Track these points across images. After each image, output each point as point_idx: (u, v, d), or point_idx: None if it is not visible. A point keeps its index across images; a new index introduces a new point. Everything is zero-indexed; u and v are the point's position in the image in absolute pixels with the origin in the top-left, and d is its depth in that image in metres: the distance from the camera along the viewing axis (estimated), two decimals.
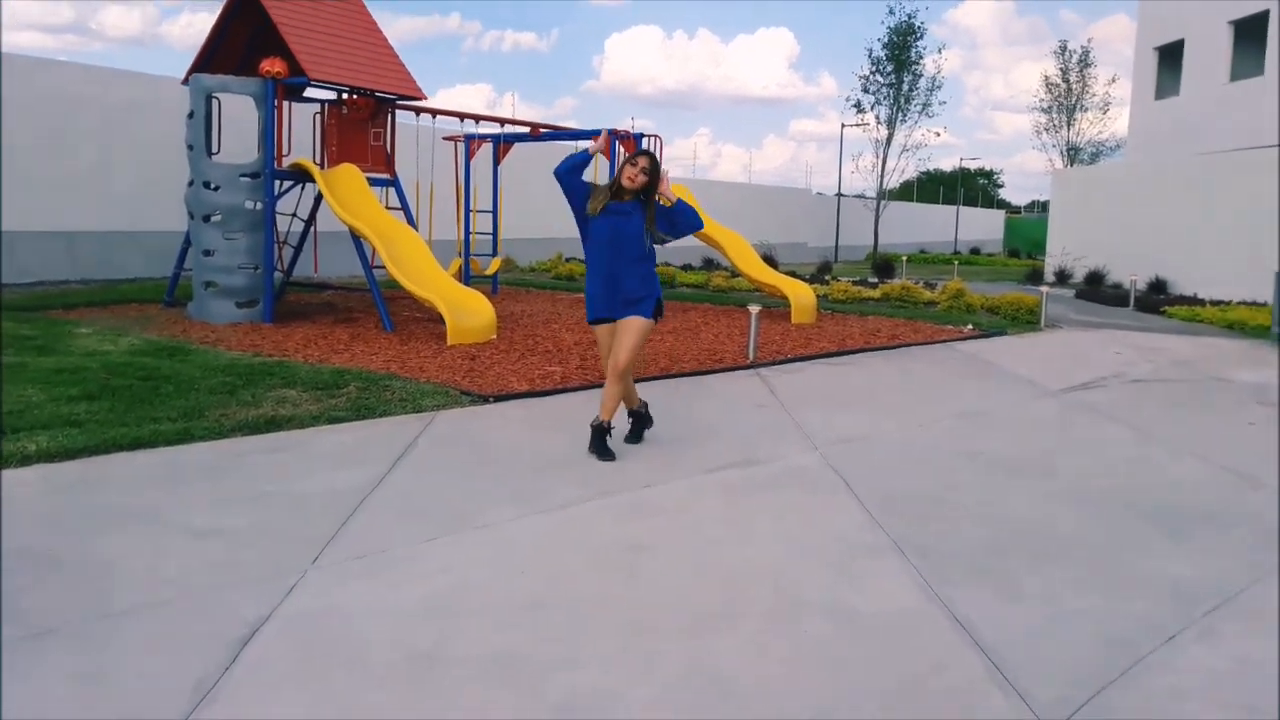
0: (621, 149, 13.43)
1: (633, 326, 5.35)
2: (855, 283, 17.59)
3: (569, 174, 5.44)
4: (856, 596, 3.51)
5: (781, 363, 8.92)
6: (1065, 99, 41.94)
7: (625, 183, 5.28)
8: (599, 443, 5.37)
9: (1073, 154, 41.98)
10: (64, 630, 3.04)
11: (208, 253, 9.86)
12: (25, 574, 3.43)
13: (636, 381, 7.51)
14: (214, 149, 10.15)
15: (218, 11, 10.63)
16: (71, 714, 2.59)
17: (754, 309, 9.01)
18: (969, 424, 6.62)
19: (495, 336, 9.35)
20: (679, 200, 5.51)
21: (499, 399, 6.76)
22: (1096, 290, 18.24)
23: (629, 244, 5.32)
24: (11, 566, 3.49)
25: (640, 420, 5.78)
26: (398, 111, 11.76)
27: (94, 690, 2.70)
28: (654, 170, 5.32)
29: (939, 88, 35.24)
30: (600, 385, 7.33)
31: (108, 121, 13.98)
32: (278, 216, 10.97)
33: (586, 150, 5.53)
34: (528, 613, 3.31)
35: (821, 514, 4.49)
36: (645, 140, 13.56)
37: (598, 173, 13.87)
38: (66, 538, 3.80)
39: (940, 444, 5.99)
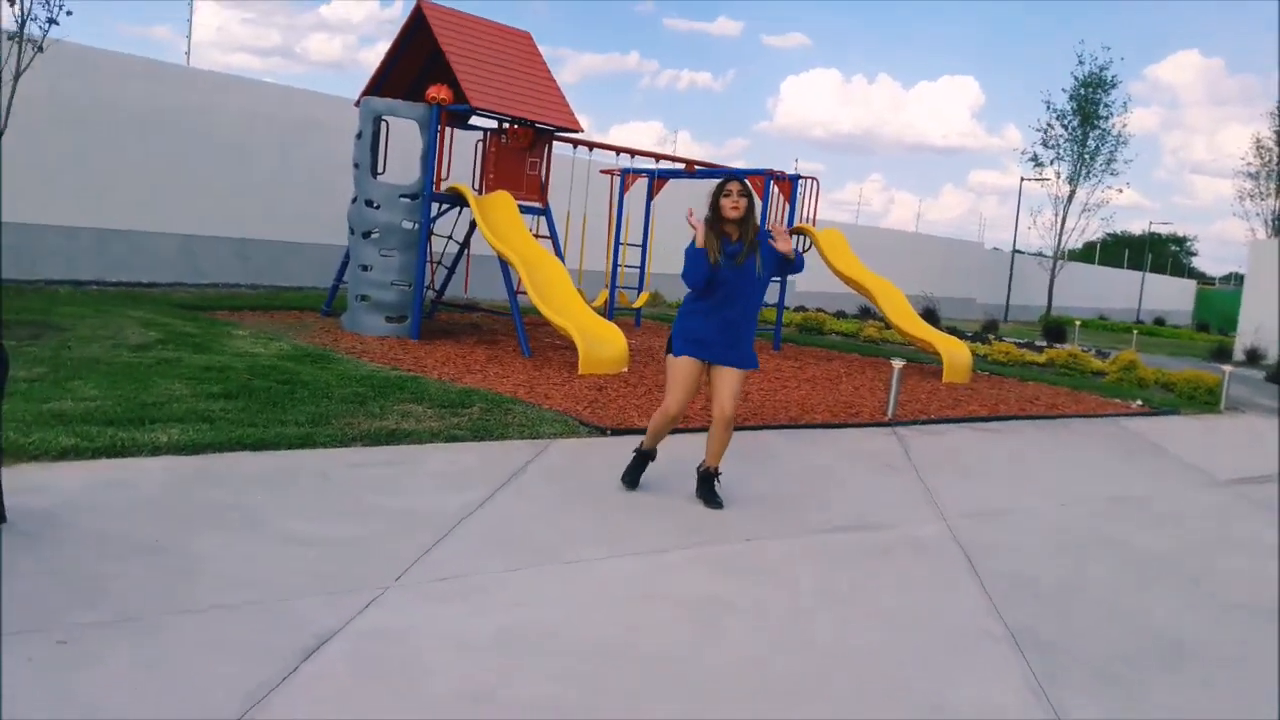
0: (777, 190, 13.27)
1: (740, 377, 5.09)
2: (1020, 344, 16.69)
3: (696, 274, 5.03)
4: (952, 691, 3.17)
5: (923, 423, 8.46)
6: (1277, 165, 38.81)
7: (728, 213, 4.99)
8: (705, 488, 5.18)
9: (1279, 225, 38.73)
10: (142, 619, 3.10)
11: (364, 267, 10.28)
12: (121, 561, 3.54)
13: (764, 428, 7.29)
14: (379, 169, 10.61)
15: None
16: (124, 701, 2.61)
17: (897, 363, 8.60)
18: (1121, 509, 6.03)
19: (627, 369, 9.30)
20: (797, 254, 5.14)
21: (616, 432, 6.66)
22: None
23: (753, 291, 5.11)
24: (110, 552, 3.61)
25: (711, 481, 5.22)
26: (556, 143, 12.00)
27: (152, 682, 2.72)
28: (749, 194, 5.08)
29: (1125, 144, 33.33)
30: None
31: (287, 137, 14.90)
32: (435, 238, 11.37)
33: (694, 243, 5.07)
34: (593, 661, 3.15)
35: (932, 592, 4.13)
36: (800, 183, 13.34)
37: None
38: (169, 530, 3.91)
39: (1085, 528, 5.46)
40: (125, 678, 2.74)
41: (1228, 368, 12.05)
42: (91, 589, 3.28)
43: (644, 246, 14.80)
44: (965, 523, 5.28)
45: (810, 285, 21.56)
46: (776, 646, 3.39)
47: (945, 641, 3.58)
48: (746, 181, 5.19)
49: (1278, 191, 38.74)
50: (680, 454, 6.27)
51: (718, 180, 5.32)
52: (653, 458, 5.36)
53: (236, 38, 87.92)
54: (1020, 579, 4.39)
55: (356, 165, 10.44)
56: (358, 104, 10.76)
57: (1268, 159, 38.88)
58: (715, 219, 5.04)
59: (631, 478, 5.31)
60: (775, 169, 13.03)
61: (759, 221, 5.20)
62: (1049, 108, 33.87)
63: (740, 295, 5.04)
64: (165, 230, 13.59)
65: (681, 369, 5.10)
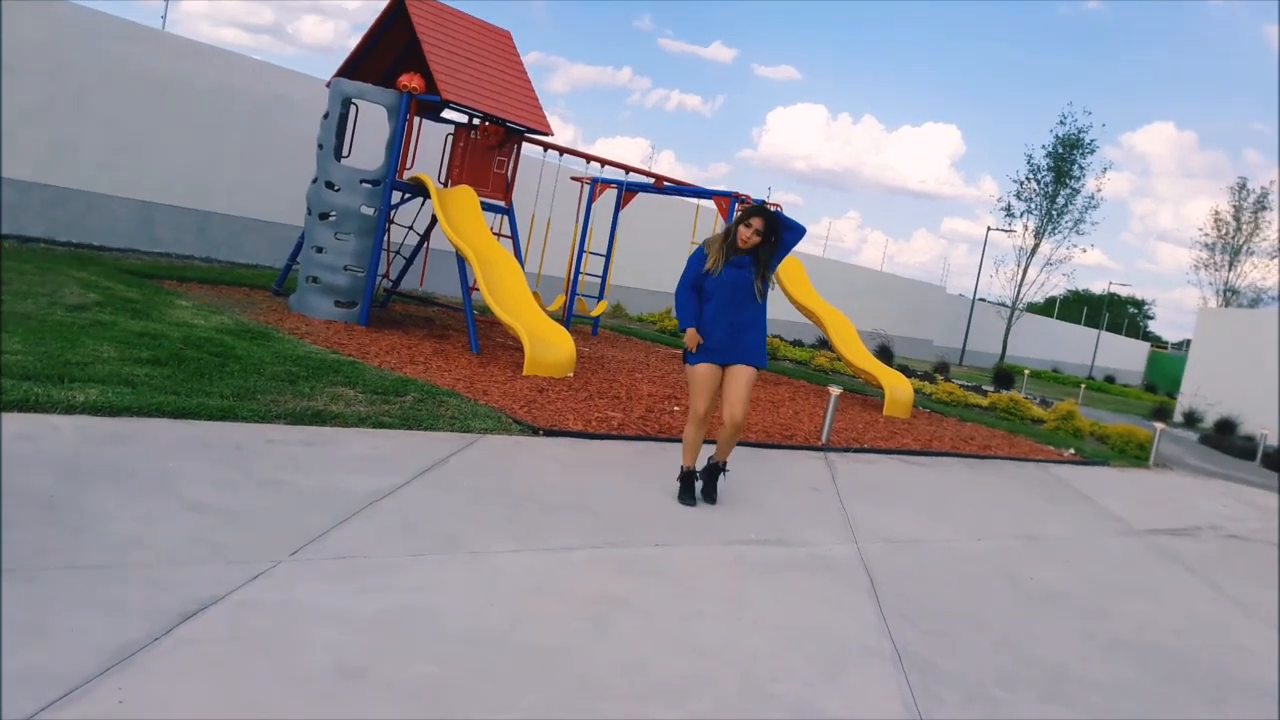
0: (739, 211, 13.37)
1: (748, 375, 5.45)
2: (966, 387, 16.94)
3: (685, 273, 5.60)
4: (831, 700, 3.22)
5: (856, 451, 8.55)
6: (1232, 238, 39.82)
7: (740, 242, 5.38)
8: (709, 479, 5.65)
9: (1230, 296, 39.71)
10: (19, 573, 3.05)
11: (318, 249, 10.21)
12: (12, 513, 3.49)
13: (676, 440, 7.32)
14: (344, 152, 10.56)
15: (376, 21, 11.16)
16: None
17: (834, 390, 8.70)
18: (1032, 547, 6.14)
19: (572, 374, 9.31)
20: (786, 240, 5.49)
21: (549, 433, 6.67)
22: (1224, 438, 16.99)
23: (749, 299, 5.43)
24: (3, 505, 3.55)
25: (717, 473, 5.71)
26: (527, 145, 12.03)
27: (19, 636, 2.68)
28: (769, 231, 5.35)
29: (1095, 207, 34.03)
30: (663, 437, 7.17)
31: (258, 114, 14.77)
32: (394, 227, 11.33)
33: (700, 249, 5.58)
34: (476, 647, 3.15)
35: (829, 608, 4.18)
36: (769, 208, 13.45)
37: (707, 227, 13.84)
38: (68, 488, 3.86)
39: (992, 561, 5.56)
40: None
41: (1160, 425, 12.31)
42: None
43: (607, 256, 14.85)
44: (876, 547, 5.35)
45: (771, 313, 21.76)
46: (663, 647, 3.42)
47: (832, 654, 3.62)
48: (772, 216, 5.42)
49: (1230, 264, 39.75)
50: (611, 459, 6.30)
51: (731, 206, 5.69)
52: (697, 477, 5.65)
53: (229, 11, 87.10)
54: (918, 603, 4.45)
55: (320, 146, 10.38)
56: (328, 85, 10.71)
57: (1224, 231, 39.91)
58: (730, 237, 5.44)
59: (686, 497, 5.54)
60: (741, 192, 13.14)
61: (773, 254, 5.45)
62: (1029, 160, 34.50)
63: (743, 306, 5.43)
64: (124, 195, 13.40)
65: (698, 375, 5.47)
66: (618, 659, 3.26)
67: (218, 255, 14.48)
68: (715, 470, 5.66)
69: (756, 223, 5.33)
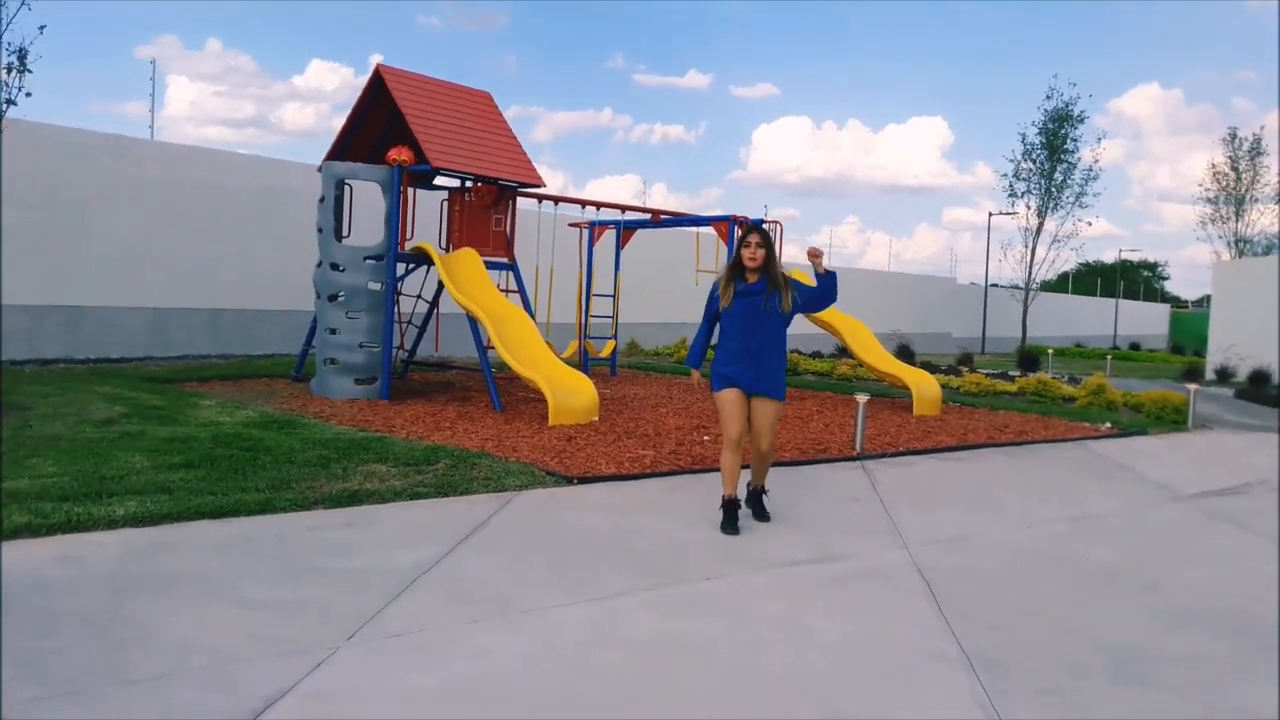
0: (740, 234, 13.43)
1: (772, 409, 5.56)
2: (992, 375, 16.82)
3: (701, 349, 5.85)
4: (906, 711, 3.18)
5: (891, 456, 8.51)
6: (1234, 189, 39.56)
7: (747, 263, 5.48)
8: (754, 502, 5.84)
9: (1243, 246, 39.37)
10: (84, 692, 3.07)
11: (332, 331, 10.32)
12: (66, 635, 3.51)
13: (709, 470, 7.30)
14: (345, 233, 10.71)
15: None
16: None
17: (861, 398, 8.67)
18: (1082, 528, 6.07)
19: (597, 418, 9.33)
20: (831, 273, 5.64)
21: (583, 481, 6.67)
22: (1260, 390, 16.78)
23: (767, 321, 5.48)
24: (60, 627, 3.59)
25: (760, 498, 5.87)
26: (522, 199, 12.15)
27: None
28: (767, 243, 5.48)
29: (1095, 178, 33.86)
30: (697, 469, 7.16)
31: (255, 207, 15.01)
32: (403, 298, 11.44)
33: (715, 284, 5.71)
34: (545, 707, 3.14)
35: (890, 618, 4.14)
36: (765, 227, 13.51)
37: (717, 259, 13.92)
38: (118, 601, 3.89)
39: (1045, 549, 5.50)
40: None
41: (1194, 386, 12.18)
42: (33, 665, 3.25)
43: (614, 297, 14.92)
44: (926, 549, 5.30)
45: (788, 329, 21.70)
46: (730, 683, 3.39)
47: (899, 665, 3.58)
48: (766, 231, 5.58)
49: (1237, 215, 39.46)
50: (649, 498, 6.30)
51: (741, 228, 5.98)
52: (739, 504, 5.65)
53: (210, 111, 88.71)
54: (977, 601, 4.40)
55: (320, 230, 10.53)
56: (320, 169, 10.88)
57: (1225, 184, 39.64)
58: (737, 265, 5.54)
59: (729, 526, 5.52)
60: (739, 215, 13.21)
61: (779, 263, 5.62)
62: (1023, 140, 34.40)
63: (760, 329, 5.48)
64: (135, 305, 13.61)
65: (726, 401, 5.56)
66: (686, 701, 3.24)
67: (233, 350, 14.65)
68: (757, 494, 5.87)
69: (754, 239, 5.47)
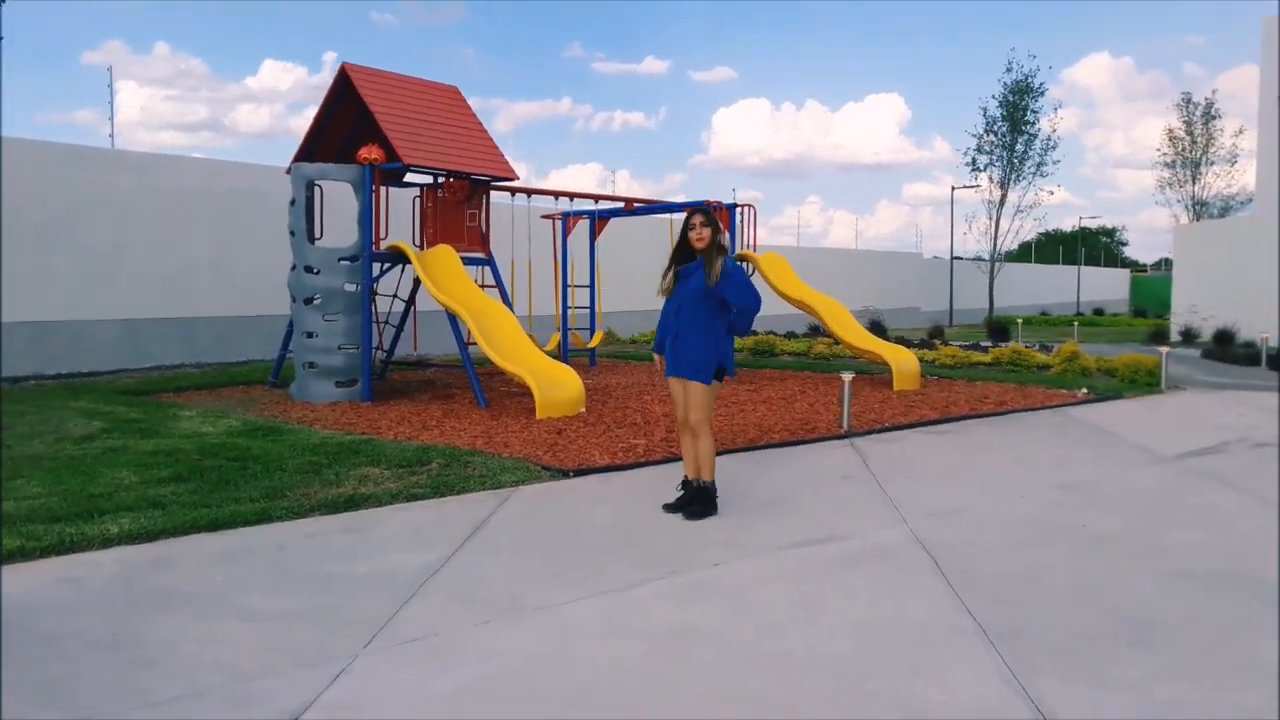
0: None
1: (695, 390, 5.52)
2: (965, 347, 16.99)
3: (662, 335, 5.72)
4: (930, 688, 3.21)
5: (878, 432, 8.56)
6: (1190, 153, 40.18)
7: (695, 244, 5.49)
8: (687, 498, 5.60)
9: (1200, 209, 40.01)
10: (100, 718, 3.02)
11: (309, 334, 10.20)
12: (74, 659, 3.46)
13: (724, 453, 7.32)
14: (317, 234, 10.57)
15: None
16: None
17: (847, 376, 8.72)
18: (1073, 495, 6.15)
19: (585, 409, 9.31)
20: (733, 272, 5.46)
21: (579, 473, 6.66)
22: (1226, 349, 17.10)
23: (691, 303, 5.46)
24: (68, 651, 3.53)
25: (699, 495, 5.56)
26: (495, 193, 12.06)
27: None
28: (711, 222, 5.48)
29: (1054, 147, 34.23)
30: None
31: (224, 212, 14.81)
32: (379, 297, 11.33)
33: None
34: (568, 706, 3.13)
35: (900, 595, 4.18)
36: (738, 211, 13.53)
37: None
38: (124, 621, 3.83)
39: (1040, 517, 5.57)
40: None
41: (1165, 349, 12.38)
42: (44, 691, 3.19)
43: (592, 287, 14.88)
44: (925, 523, 5.35)
45: (762, 309, 21.79)
46: (751, 669, 3.40)
47: (916, 642, 3.61)
48: (709, 212, 5.56)
49: (1193, 178, 40.08)
50: (647, 487, 6.31)
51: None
52: (688, 486, 5.67)
53: (162, 115, 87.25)
54: (983, 573, 4.45)
55: (293, 232, 10.39)
56: (289, 171, 10.73)
57: (1180, 148, 40.25)
58: (682, 248, 5.55)
59: (670, 506, 5.63)
60: (711, 200, 13.20)
61: (727, 242, 5.54)
62: (984, 114, 34.66)
63: (683, 310, 5.50)
64: (105, 317, 13.38)
65: (670, 388, 5.74)
66: (711, 690, 3.24)
67: (207, 359, 14.45)
68: (700, 489, 5.56)
69: (697, 219, 5.46)
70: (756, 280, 11.38)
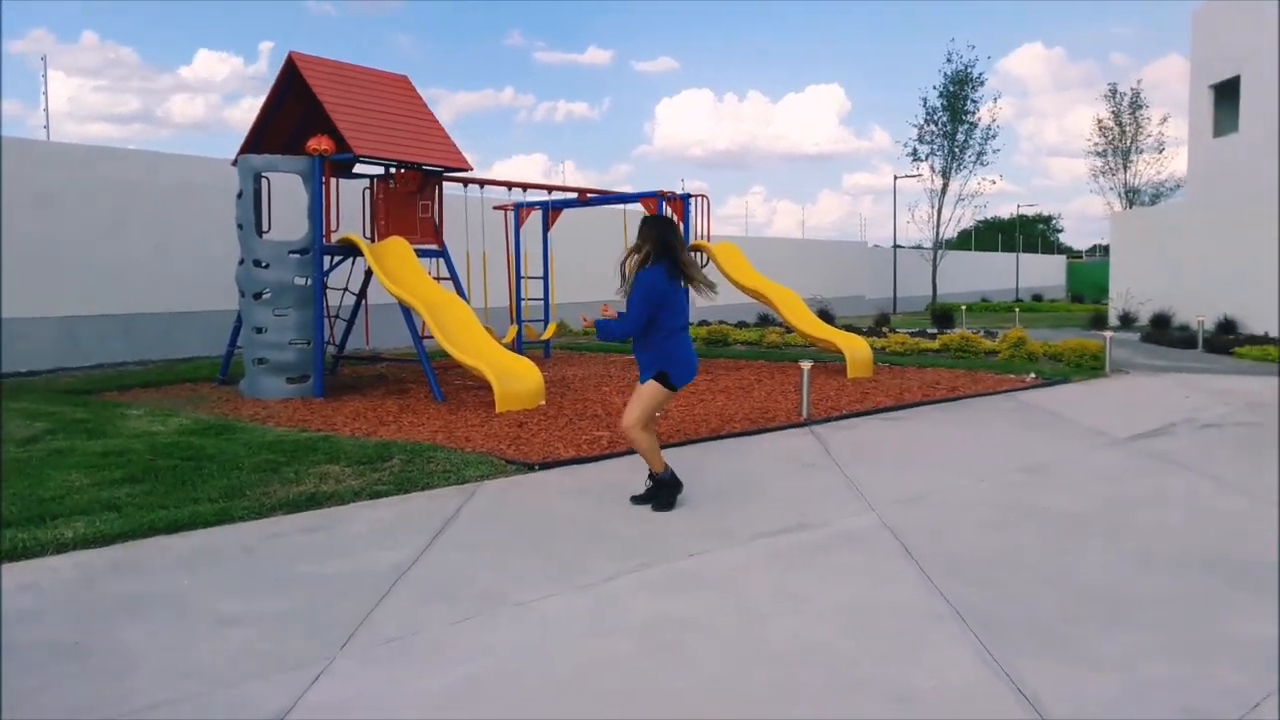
0: (669, 210, 13.40)
1: (635, 390, 5.59)
2: (914, 334, 17.24)
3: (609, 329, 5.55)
4: (916, 672, 3.24)
5: (836, 419, 8.65)
6: (1119, 142, 41.27)
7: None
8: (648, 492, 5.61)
9: (1132, 196, 41.12)
10: None
11: (259, 330, 9.98)
12: (48, 670, 3.34)
13: (688, 443, 7.34)
14: (265, 227, 10.33)
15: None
16: None
17: (806, 365, 8.79)
18: (1033, 478, 6.28)
19: (544, 402, 9.25)
20: (634, 285, 5.37)
21: (544, 466, 6.61)
22: (1163, 333, 17.62)
23: (630, 306, 5.44)
24: (35, 662, 3.40)
25: (659, 487, 5.55)
26: (447, 183, 11.91)
27: None
28: (642, 232, 5.47)
29: (994, 136, 34.89)
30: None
31: (164, 205, 14.41)
32: (331, 291, 11.12)
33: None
34: (556, 700, 3.11)
35: (877, 581, 4.22)
36: (692, 200, 13.53)
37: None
38: (93, 630, 3.71)
39: (1003, 500, 5.67)
40: None
41: (1108, 333, 12.70)
42: (12, 706, 3.08)
43: (545, 278, 14.78)
44: (893, 510, 5.42)
45: (709, 299, 21.90)
46: (739, 659, 3.41)
47: (898, 627, 3.65)
48: (646, 220, 5.61)
49: (1124, 166, 41.16)
50: (614, 479, 6.29)
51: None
52: (653, 479, 5.61)
53: (91, 107, 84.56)
54: (955, 557, 4.52)
55: (240, 226, 10.14)
56: (235, 163, 10.47)
57: (1110, 137, 41.32)
58: (630, 255, 5.59)
59: (637, 496, 5.66)
60: (666, 190, 13.19)
61: (653, 247, 5.41)
62: (924, 104, 35.18)
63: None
64: (41, 314, 12.94)
65: None
66: (701, 681, 3.24)
67: (151, 355, 14.07)
68: (658, 483, 5.56)
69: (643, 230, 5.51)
70: (711, 270, 11.43)
